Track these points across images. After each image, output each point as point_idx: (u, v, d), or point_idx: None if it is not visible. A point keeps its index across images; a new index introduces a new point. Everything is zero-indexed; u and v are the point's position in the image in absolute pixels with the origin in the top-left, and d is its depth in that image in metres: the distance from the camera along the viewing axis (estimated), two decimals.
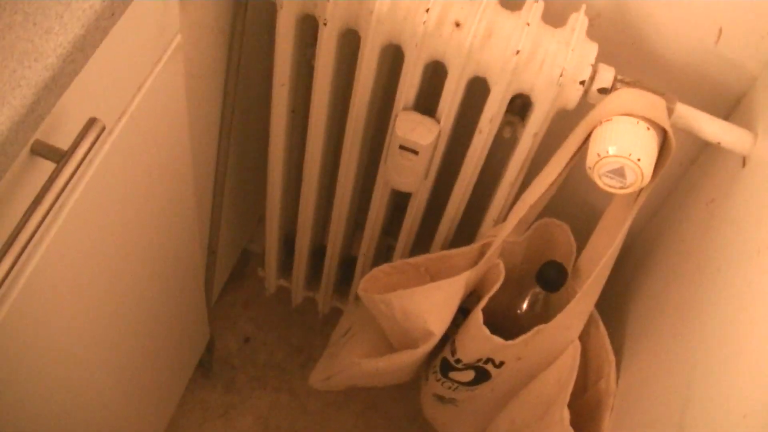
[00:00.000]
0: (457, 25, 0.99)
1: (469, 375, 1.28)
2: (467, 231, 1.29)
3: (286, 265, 1.61)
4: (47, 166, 0.73)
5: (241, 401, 1.73)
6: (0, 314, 0.79)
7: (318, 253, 1.55)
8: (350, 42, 1.09)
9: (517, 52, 0.98)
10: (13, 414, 0.94)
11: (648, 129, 0.96)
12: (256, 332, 1.79)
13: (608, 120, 0.97)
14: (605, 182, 0.98)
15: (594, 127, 0.99)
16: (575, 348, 1.18)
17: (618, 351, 1.19)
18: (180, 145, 1.09)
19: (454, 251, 1.23)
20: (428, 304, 1.19)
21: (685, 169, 1.24)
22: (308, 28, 1.09)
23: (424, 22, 0.99)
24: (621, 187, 0.98)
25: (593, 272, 1.10)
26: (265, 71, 1.17)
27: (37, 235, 0.77)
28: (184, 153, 1.11)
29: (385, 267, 1.27)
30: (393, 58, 1.10)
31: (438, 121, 1.09)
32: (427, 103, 1.11)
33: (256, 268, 1.73)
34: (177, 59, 0.96)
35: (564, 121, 1.06)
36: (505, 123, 1.11)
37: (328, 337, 1.54)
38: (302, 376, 1.74)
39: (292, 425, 1.71)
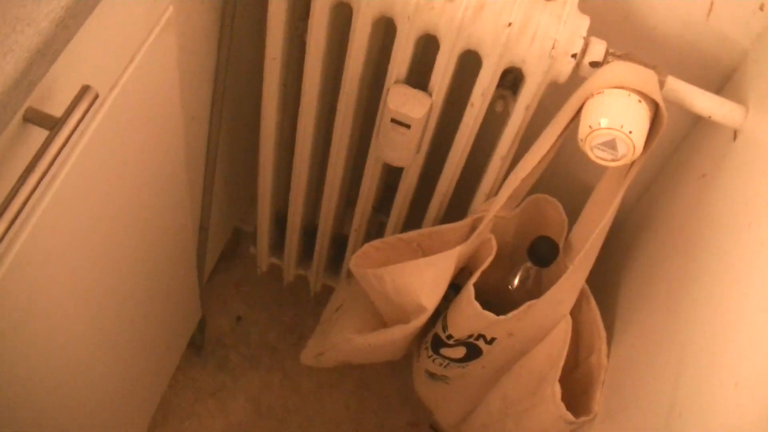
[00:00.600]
0: None
1: (461, 351, 1.29)
2: (460, 207, 1.29)
3: (277, 244, 1.61)
4: (40, 134, 0.73)
5: (233, 380, 1.73)
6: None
7: (310, 231, 1.55)
8: (342, 15, 1.08)
9: (509, 24, 0.98)
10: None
11: (639, 101, 0.96)
12: (248, 311, 1.80)
13: (600, 93, 0.97)
14: (597, 155, 0.98)
15: (585, 100, 0.99)
16: (567, 323, 1.18)
17: (610, 326, 1.19)
18: (172, 118, 1.09)
19: (445, 226, 1.23)
20: (420, 278, 1.19)
21: (677, 145, 1.24)
22: (300, 2, 1.09)
23: None
24: (612, 160, 0.98)
25: (583, 248, 1.11)
26: (257, 46, 1.17)
27: (29, 204, 0.78)
28: (176, 127, 1.11)
29: (376, 242, 1.27)
30: (385, 31, 1.10)
31: (430, 95, 1.09)
32: (419, 76, 1.11)
33: (248, 248, 1.73)
34: (169, 31, 0.96)
35: (556, 95, 1.07)
36: (498, 97, 1.11)
37: (320, 316, 1.54)
38: (294, 355, 1.74)
39: (284, 404, 1.71)
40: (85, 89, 0.74)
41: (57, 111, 0.74)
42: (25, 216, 0.80)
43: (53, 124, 0.73)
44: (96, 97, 0.75)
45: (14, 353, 0.92)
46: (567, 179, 1.30)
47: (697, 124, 1.19)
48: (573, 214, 1.18)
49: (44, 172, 0.71)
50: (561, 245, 1.19)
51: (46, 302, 0.94)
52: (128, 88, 0.90)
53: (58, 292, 0.96)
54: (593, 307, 1.20)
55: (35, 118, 0.73)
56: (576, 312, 1.19)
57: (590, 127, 0.96)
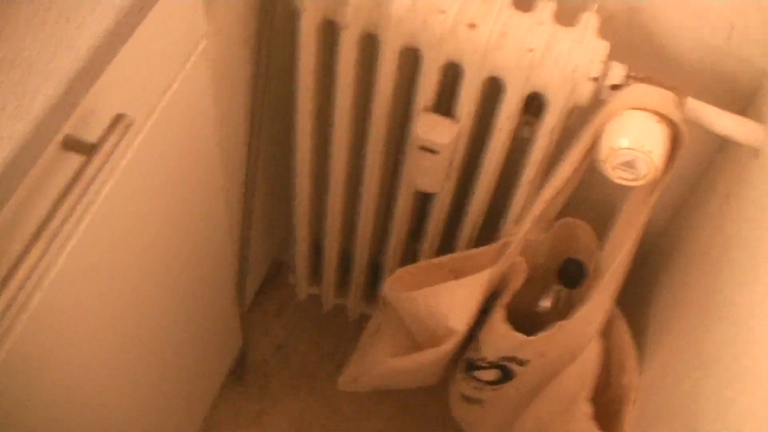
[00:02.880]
0: (472, 26, 1.02)
1: (494, 374, 1.31)
2: (491, 231, 1.32)
3: (316, 272, 1.64)
4: (78, 161, 0.77)
5: (274, 407, 1.75)
6: (29, 309, 0.82)
7: (346, 259, 1.58)
8: (370, 46, 1.12)
9: (530, 50, 1.01)
10: (40, 422, 0.97)
11: (659, 122, 0.98)
12: (288, 339, 1.82)
13: (619, 114, 1.00)
14: (618, 175, 1.00)
15: (606, 122, 1.01)
16: (597, 344, 1.20)
17: (641, 346, 1.20)
18: (208, 148, 1.12)
19: (476, 250, 1.26)
20: (451, 301, 1.21)
21: (704, 168, 1.26)
22: (330, 33, 1.13)
23: (440, 23, 1.02)
24: (634, 180, 1.00)
25: (611, 268, 1.13)
26: (290, 78, 1.21)
27: (66, 229, 0.81)
28: (212, 157, 1.15)
29: (409, 267, 1.30)
30: (412, 60, 1.13)
31: (457, 121, 1.12)
32: (446, 103, 1.14)
33: (288, 276, 1.76)
34: (203, 62, 1.00)
35: (579, 119, 1.09)
36: (524, 123, 1.14)
37: (355, 344, 1.56)
38: (334, 382, 1.75)
39: (324, 429, 1.74)
40: (119, 117, 0.78)
41: (95, 137, 0.77)
42: (61, 241, 0.83)
43: (89, 151, 0.76)
44: (130, 124, 0.78)
45: (48, 383, 0.94)
46: (597, 202, 1.31)
47: (722, 145, 1.21)
48: (603, 236, 1.20)
49: (80, 196, 0.74)
50: (591, 267, 1.21)
51: (82, 330, 0.96)
52: (164, 116, 0.94)
53: (93, 319, 0.98)
54: (624, 327, 1.21)
55: (73, 144, 0.77)
56: (607, 332, 1.21)
57: (611, 147, 0.98)
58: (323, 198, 1.40)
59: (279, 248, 1.78)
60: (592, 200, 1.30)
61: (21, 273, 0.71)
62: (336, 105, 1.19)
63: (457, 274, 1.28)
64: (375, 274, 1.59)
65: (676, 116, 0.98)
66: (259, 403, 1.75)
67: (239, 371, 1.75)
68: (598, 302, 1.16)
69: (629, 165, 0.99)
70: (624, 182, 1.01)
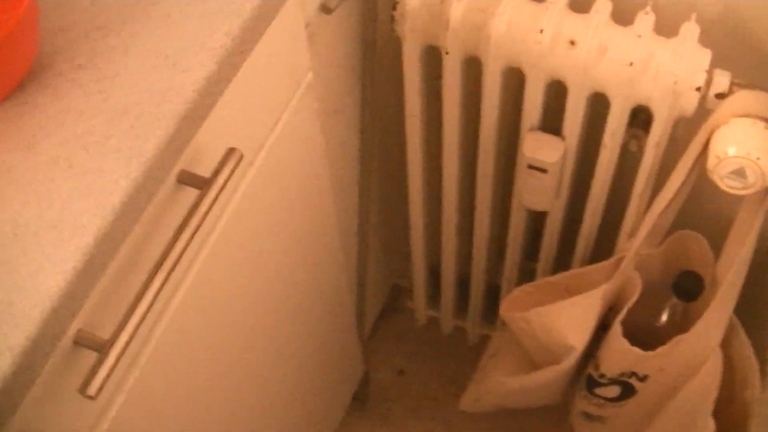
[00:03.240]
0: (572, 43, 1.03)
1: (615, 390, 1.30)
2: (605, 247, 1.32)
3: (434, 296, 1.66)
4: (193, 194, 0.81)
5: None
6: (153, 339, 0.86)
7: (464, 282, 1.59)
8: (473, 69, 1.14)
9: (631, 64, 1.01)
10: None
11: (766, 128, 0.97)
12: (409, 365, 1.84)
13: (726, 123, 0.99)
14: (727, 184, 1.00)
15: (713, 132, 1.01)
16: (717, 357, 1.18)
17: (762, 359, 1.19)
18: (319, 179, 1.15)
19: (591, 267, 1.26)
20: (566, 318, 1.22)
21: None
22: (433, 58, 1.15)
23: (539, 43, 1.03)
24: (743, 188, 0.99)
25: (727, 280, 1.12)
26: (398, 105, 1.23)
27: (182, 263, 0.85)
28: (324, 187, 1.18)
29: (525, 287, 1.31)
30: (516, 80, 1.15)
31: (563, 139, 1.13)
32: (552, 122, 1.15)
33: (406, 302, 1.78)
34: (309, 96, 1.03)
35: (687, 129, 1.09)
36: (631, 136, 1.14)
37: (476, 365, 1.57)
38: (455, 406, 1.76)
39: None
40: (231, 151, 0.82)
41: (207, 173, 0.81)
42: (179, 276, 0.87)
43: (203, 184, 0.80)
44: (241, 157, 0.82)
45: (173, 415, 0.98)
46: (709, 213, 1.30)
47: None
48: (718, 248, 1.19)
49: (195, 229, 0.78)
50: (708, 279, 1.20)
51: (201, 367, 1.00)
52: (273, 150, 0.97)
53: (212, 357, 1.02)
54: (743, 339, 1.20)
55: (188, 179, 0.81)
56: (727, 345, 1.19)
57: (718, 157, 0.98)
58: (437, 221, 1.42)
59: (397, 274, 1.80)
60: (704, 212, 1.29)
61: (141, 309, 0.74)
62: (444, 129, 1.21)
63: (573, 291, 1.28)
64: (493, 295, 1.60)
65: None
66: (383, 429, 1.77)
67: (362, 398, 1.77)
68: (716, 315, 1.15)
69: (738, 173, 0.98)
70: (734, 191, 1.00)
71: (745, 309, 1.18)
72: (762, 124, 0.98)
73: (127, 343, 0.74)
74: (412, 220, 1.41)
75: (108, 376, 0.73)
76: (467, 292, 1.59)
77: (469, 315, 1.63)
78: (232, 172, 0.81)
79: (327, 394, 1.56)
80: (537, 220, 1.37)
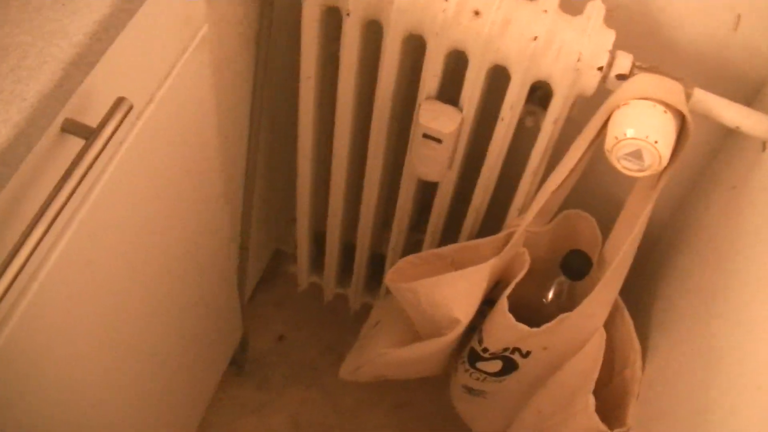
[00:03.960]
0: (476, 13, 1.01)
1: (497, 365, 1.30)
2: (494, 222, 1.31)
3: (317, 263, 1.63)
4: (78, 144, 0.76)
5: (274, 399, 1.75)
6: (27, 297, 0.81)
7: (348, 249, 1.57)
8: (373, 33, 1.11)
9: (535, 38, 1.00)
10: (39, 412, 0.96)
11: (665, 112, 0.97)
12: (288, 331, 1.82)
13: (625, 104, 0.99)
14: (623, 165, 0.99)
15: (612, 112, 1.00)
16: (600, 336, 1.19)
17: (644, 339, 1.20)
18: (208, 136, 1.11)
19: (479, 241, 1.25)
20: (453, 291, 1.20)
21: (709, 158, 1.25)
22: (332, 21, 1.12)
23: (443, 11, 1.01)
24: (639, 170, 0.99)
25: (615, 260, 1.12)
26: (292, 66, 1.20)
27: (65, 214, 0.80)
28: (212, 145, 1.14)
29: (411, 258, 1.29)
30: (416, 47, 1.12)
31: (461, 110, 1.11)
32: (450, 92, 1.13)
33: (288, 268, 1.75)
34: (203, 50, 0.99)
35: (585, 109, 1.08)
36: (527, 113, 1.13)
37: (358, 334, 1.56)
38: (334, 374, 1.74)
39: (324, 422, 1.73)
40: (120, 100, 0.77)
41: (94, 122, 0.77)
42: (61, 226, 0.82)
43: (89, 134, 0.75)
44: (130, 108, 0.77)
45: (47, 374, 0.94)
46: (600, 194, 1.31)
47: (727, 136, 1.20)
48: (605, 228, 1.20)
49: (80, 180, 0.74)
50: (595, 259, 1.20)
51: (80, 319, 0.95)
52: (163, 102, 0.93)
53: (92, 310, 0.98)
54: (627, 320, 1.20)
55: (72, 128, 0.76)
56: (610, 325, 1.20)
57: (616, 137, 0.97)
58: (325, 187, 1.40)
59: (279, 239, 1.77)
60: (594, 192, 1.29)
61: (19, 260, 0.70)
62: (339, 93, 1.18)
63: (459, 264, 1.27)
64: (377, 264, 1.58)
65: (683, 107, 0.97)
66: (260, 395, 1.75)
67: (239, 362, 1.74)
68: (602, 295, 1.16)
69: (635, 155, 0.97)
70: (629, 173, 1.00)
71: (629, 291, 1.18)
72: (661, 107, 0.97)
73: (0, 299, 0.69)
74: (300, 184, 1.38)
75: None
76: (351, 260, 1.56)
77: (352, 283, 1.61)
78: (120, 122, 0.77)
79: (205, 355, 1.53)
80: (426, 191, 1.35)
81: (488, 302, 1.25)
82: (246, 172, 1.35)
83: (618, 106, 0.99)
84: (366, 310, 1.64)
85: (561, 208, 1.21)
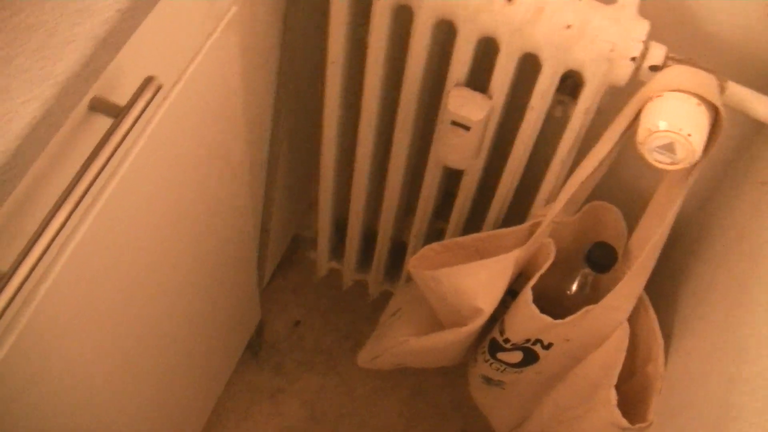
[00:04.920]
0: (509, 0, 0.99)
1: (517, 356, 1.29)
2: (518, 212, 1.30)
3: (337, 248, 1.62)
4: (106, 123, 0.75)
5: (289, 385, 1.74)
6: (53, 273, 0.80)
7: (369, 236, 1.56)
8: (403, 18, 1.10)
9: (568, 26, 0.98)
10: (56, 389, 0.96)
11: (699, 105, 0.96)
12: (305, 317, 1.81)
13: (659, 96, 0.97)
14: (655, 158, 0.98)
15: (644, 104, 0.99)
16: (623, 330, 1.18)
17: (667, 334, 1.18)
18: (233, 118, 1.10)
19: (504, 230, 1.24)
20: (477, 280, 1.19)
21: (739, 153, 1.23)
22: (361, 5, 1.10)
23: None
24: (671, 163, 0.98)
25: (641, 254, 1.11)
26: (319, 51, 1.19)
27: (91, 192, 0.79)
28: (238, 127, 1.13)
29: (435, 245, 1.28)
30: (446, 34, 1.11)
31: (490, 98, 1.10)
32: (479, 79, 1.12)
33: (306, 254, 1.74)
34: (232, 30, 0.98)
35: (614, 100, 1.07)
36: (557, 102, 1.12)
37: (376, 323, 1.55)
38: (350, 362, 1.75)
39: (338, 409, 1.72)
40: (149, 80, 0.76)
41: (122, 101, 0.76)
42: (87, 205, 0.82)
43: (117, 113, 0.74)
44: (159, 87, 0.76)
45: (74, 348, 0.94)
46: (626, 187, 1.29)
47: (759, 131, 1.18)
48: (631, 221, 1.18)
49: (107, 160, 0.73)
50: (620, 252, 1.18)
51: (104, 297, 0.95)
52: (191, 83, 0.92)
53: (113, 288, 0.97)
54: (651, 314, 1.19)
55: (100, 106, 0.75)
56: (633, 320, 1.19)
57: (649, 129, 0.96)
58: (348, 172, 1.38)
59: (298, 224, 1.76)
60: (619, 184, 1.28)
61: (46, 238, 0.69)
62: (366, 78, 1.16)
63: (483, 253, 1.26)
64: (397, 252, 1.57)
65: (716, 100, 0.96)
66: (274, 380, 1.74)
67: (255, 347, 1.73)
68: (628, 289, 1.14)
69: (667, 148, 0.96)
70: (661, 166, 0.98)
71: (652, 284, 1.17)
72: (695, 100, 0.96)
73: (26, 278, 0.68)
74: (323, 168, 1.37)
75: (2, 314, 0.67)
76: (372, 247, 1.55)
77: (371, 270, 1.60)
78: (149, 102, 0.76)
79: (222, 339, 1.52)
80: (450, 179, 1.34)
81: (510, 292, 1.24)
82: (269, 154, 1.33)
83: (651, 98, 0.98)
84: (384, 297, 1.63)
85: (586, 200, 1.19)
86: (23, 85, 0.67)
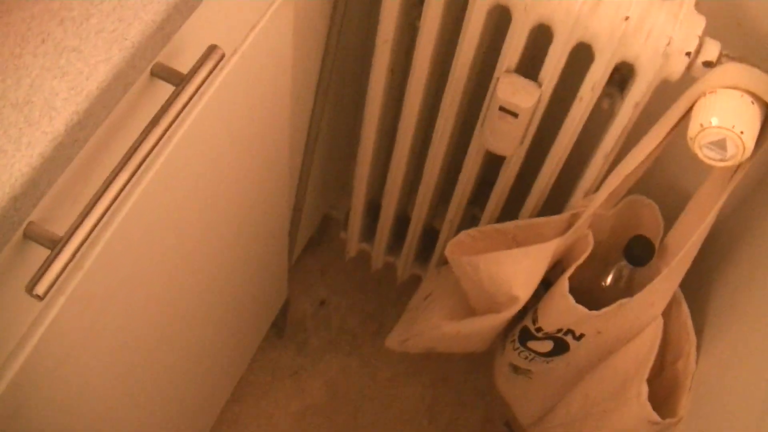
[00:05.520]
0: None
1: (548, 346, 1.29)
2: (556, 202, 1.29)
3: (368, 230, 1.63)
4: (166, 89, 0.75)
5: (312, 364, 1.75)
6: (98, 247, 0.81)
7: (401, 220, 1.56)
8: (457, 2, 1.10)
9: (626, 18, 0.98)
10: (98, 361, 0.97)
11: (752, 103, 0.96)
12: (331, 297, 1.81)
13: (712, 92, 0.97)
14: (706, 154, 0.98)
15: (697, 100, 0.99)
16: (657, 325, 1.18)
17: (699, 331, 1.18)
18: (282, 92, 1.11)
19: (543, 219, 1.24)
20: (515, 268, 1.20)
21: None
22: None
23: None
24: (721, 160, 0.97)
25: (681, 250, 1.11)
26: (368, 31, 1.19)
27: (149, 159, 0.80)
28: (284, 102, 1.13)
29: (472, 231, 1.28)
30: (501, 18, 1.10)
31: (539, 86, 1.10)
32: (529, 66, 1.12)
33: (336, 235, 1.75)
34: (288, 5, 0.98)
35: (664, 96, 1.06)
36: (605, 94, 1.11)
37: (402, 307, 1.55)
38: (374, 344, 1.75)
39: (360, 390, 1.73)
40: (212, 48, 0.76)
41: (184, 68, 0.76)
42: (143, 169, 0.82)
43: (180, 80, 0.75)
44: (222, 56, 0.77)
45: (116, 316, 0.94)
46: (665, 183, 1.29)
47: None
48: (667, 219, 1.18)
49: (166, 129, 0.73)
50: (658, 247, 1.19)
51: (143, 266, 0.95)
52: (246, 56, 0.92)
53: (155, 261, 0.98)
54: (684, 311, 1.19)
55: (163, 73, 0.76)
56: (666, 315, 1.19)
57: (701, 125, 0.96)
58: (386, 154, 1.39)
59: (330, 204, 1.77)
60: (660, 180, 1.28)
61: (102, 205, 0.69)
62: (415, 60, 1.17)
63: (521, 242, 1.26)
64: (429, 236, 1.57)
65: None
66: (297, 359, 1.75)
67: (280, 325, 1.74)
68: (664, 284, 1.14)
69: (718, 145, 0.96)
70: (711, 162, 0.98)
71: (687, 281, 1.17)
72: (749, 98, 0.96)
73: (82, 243, 0.69)
74: (362, 150, 1.37)
75: (58, 276, 0.68)
76: (403, 231, 1.56)
77: (402, 253, 1.60)
78: (212, 71, 0.76)
79: (249, 315, 1.53)
80: (489, 167, 1.34)
81: (544, 284, 1.24)
82: (309, 132, 1.34)
83: (704, 94, 0.98)
84: (412, 282, 1.63)
85: (626, 194, 1.20)
86: (98, 45, 0.67)
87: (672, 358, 1.21)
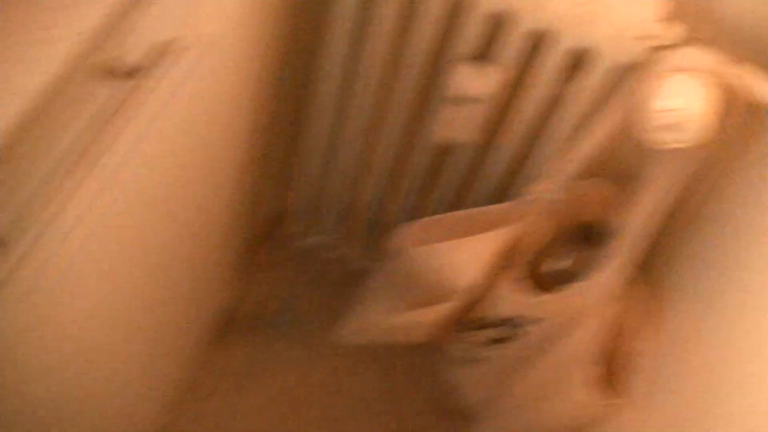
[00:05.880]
0: None
1: (498, 332, 1.28)
2: (505, 190, 1.29)
3: (317, 223, 1.61)
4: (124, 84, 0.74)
5: (265, 358, 1.73)
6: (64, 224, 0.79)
7: (350, 211, 1.55)
8: None
9: (585, 2, 0.98)
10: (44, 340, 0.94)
11: (708, 86, 0.96)
12: (283, 291, 1.80)
13: (667, 76, 0.97)
14: (661, 136, 0.98)
15: (655, 82, 0.99)
16: (611, 308, 1.18)
17: (657, 313, 1.19)
18: (242, 84, 1.10)
19: (494, 207, 1.23)
20: (465, 256, 1.19)
21: (755, 139, 1.23)
22: None
23: None
24: (676, 142, 0.98)
25: (634, 233, 1.11)
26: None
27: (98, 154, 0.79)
28: (245, 94, 1.12)
29: (423, 221, 1.27)
30: (452, 7, 1.10)
31: (497, 72, 1.09)
32: (487, 53, 1.11)
33: (288, 228, 1.73)
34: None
35: (622, 79, 1.06)
36: (562, 78, 1.11)
37: (353, 299, 1.54)
38: (327, 335, 1.74)
39: (315, 383, 1.72)
40: (172, 40, 0.76)
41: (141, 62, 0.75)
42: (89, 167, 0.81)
43: (135, 73, 0.74)
44: (181, 50, 0.76)
45: (65, 297, 0.92)
46: (621, 166, 1.29)
47: None
48: (622, 201, 1.18)
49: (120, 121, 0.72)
50: (610, 231, 1.19)
51: (111, 241, 0.94)
52: (200, 49, 0.91)
53: (118, 234, 0.96)
54: (642, 294, 1.19)
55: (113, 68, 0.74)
56: (624, 297, 1.19)
57: (654, 108, 0.96)
58: (333, 146, 1.37)
59: (279, 198, 1.75)
60: (614, 163, 1.28)
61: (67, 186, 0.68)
62: (369, 44, 1.16)
63: (473, 230, 1.25)
64: (378, 228, 1.56)
65: (728, 83, 0.96)
66: (250, 354, 1.73)
67: (233, 319, 1.72)
68: (618, 267, 1.15)
69: (674, 127, 0.96)
70: (665, 144, 0.99)
71: (645, 264, 1.17)
72: (706, 81, 0.96)
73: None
74: (311, 139, 1.36)
75: None
76: (353, 222, 1.55)
77: (351, 245, 1.60)
78: (172, 62, 0.76)
79: (199, 310, 1.50)
80: (438, 155, 1.33)
81: (502, 268, 1.24)
82: (257, 128, 1.32)
83: (661, 77, 0.98)
84: (362, 274, 1.62)
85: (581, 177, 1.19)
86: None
87: (629, 339, 1.22)
